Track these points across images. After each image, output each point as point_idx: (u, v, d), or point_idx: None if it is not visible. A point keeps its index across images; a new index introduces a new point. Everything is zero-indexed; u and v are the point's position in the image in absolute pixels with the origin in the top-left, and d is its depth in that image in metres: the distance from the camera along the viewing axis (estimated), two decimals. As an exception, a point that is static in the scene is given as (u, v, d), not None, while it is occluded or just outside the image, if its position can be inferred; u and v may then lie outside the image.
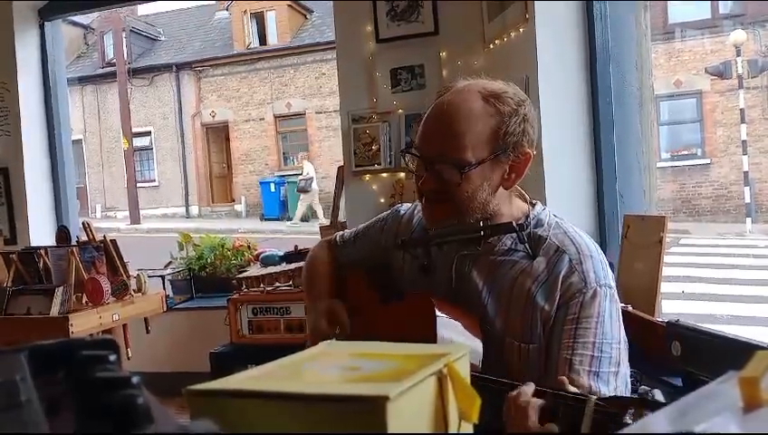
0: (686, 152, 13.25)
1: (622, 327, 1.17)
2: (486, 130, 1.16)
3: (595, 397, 0.90)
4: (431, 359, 0.55)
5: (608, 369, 1.12)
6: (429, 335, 1.11)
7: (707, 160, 12.97)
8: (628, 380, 1.16)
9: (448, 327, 1.14)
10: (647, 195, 2.46)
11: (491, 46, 2.87)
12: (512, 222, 1.18)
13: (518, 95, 1.20)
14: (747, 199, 11.64)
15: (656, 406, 0.84)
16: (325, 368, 0.57)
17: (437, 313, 1.15)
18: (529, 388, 0.94)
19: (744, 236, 10.72)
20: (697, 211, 12.78)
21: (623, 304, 1.23)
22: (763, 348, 1.37)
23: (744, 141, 11.85)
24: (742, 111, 11.86)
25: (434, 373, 0.54)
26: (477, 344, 1.14)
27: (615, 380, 1.12)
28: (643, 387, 1.78)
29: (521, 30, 2.54)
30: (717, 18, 13.07)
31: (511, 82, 1.24)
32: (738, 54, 11.76)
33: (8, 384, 0.35)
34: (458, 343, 1.13)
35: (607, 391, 1.10)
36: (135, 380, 0.36)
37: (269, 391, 0.48)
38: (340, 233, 1.58)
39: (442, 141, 1.17)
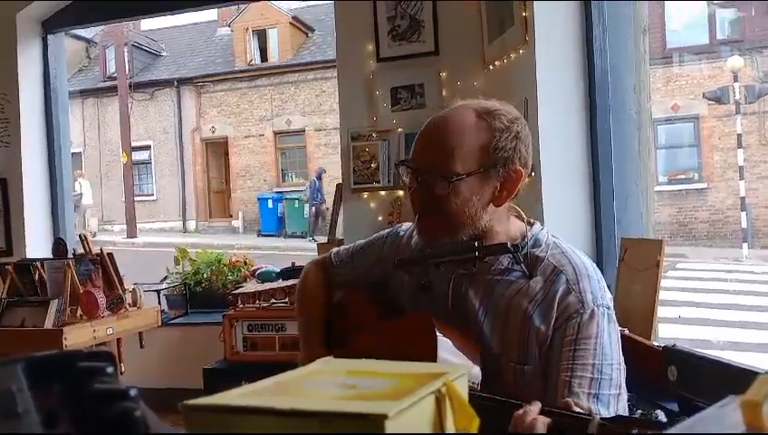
0: (683, 176, 13.31)
1: (620, 349, 1.16)
2: (477, 144, 1.17)
3: (599, 416, 0.90)
4: (430, 378, 0.55)
5: (608, 391, 1.11)
6: (429, 357, 1.10)
7: (704, 185, 13.03)
8: (626, 404, 1.16)
9: (448, 350, 1.13)
10: (644, 218, 2.46)
11: (491, 67, 2.89)
12: (506, 242, 1.19)
13: (511, 113, 1.22)
14: (744, 225, 11.66)
15: (659, 427, 0.84)
16: (323, 385, 0.56)
17: (438, 334, 1.14)
18: (535, 407, 0.94)
19: (741, 262, 10.73)
20: (694, 235, 12.81)
21: (620, 328, 1.22)
22: (760, 374, 1.37)
23: (741, 167, 11.91)
24: (739, 136, 11.94)
25: (432, 392, 0.53)
26: (476, 369, 1.14)
27: (616, 403, 1.11)
28: (639, 411, 1.77)
29: (520, 52, 2.56)
30: (715, 44, 13.20)
31: (506, 102, 1.25)
32: (735, 80, 11.86)
33: (5, 395, 0.35)
34: (457, 363, 1.12)
35: (607, 413, 1.09)
36: (132, 392, 0.35)
37: (267, 407, 0.48)
38: (335, 250, 1.56)
39: (432, 153, 1.19)
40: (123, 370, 2.94)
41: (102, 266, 2.94)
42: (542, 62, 2.41)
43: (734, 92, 11.82)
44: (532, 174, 2.38)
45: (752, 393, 0.41)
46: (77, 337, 2.65)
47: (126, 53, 17.13)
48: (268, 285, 3.19)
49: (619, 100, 2.43)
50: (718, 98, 12.13)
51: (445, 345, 1.13)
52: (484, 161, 1.17)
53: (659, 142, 12.95)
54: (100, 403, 0.35)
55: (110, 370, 0.39)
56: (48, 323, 2.62)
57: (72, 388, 0.37)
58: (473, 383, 1.11)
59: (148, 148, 18.05)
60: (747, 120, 12.34)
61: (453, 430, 0.56)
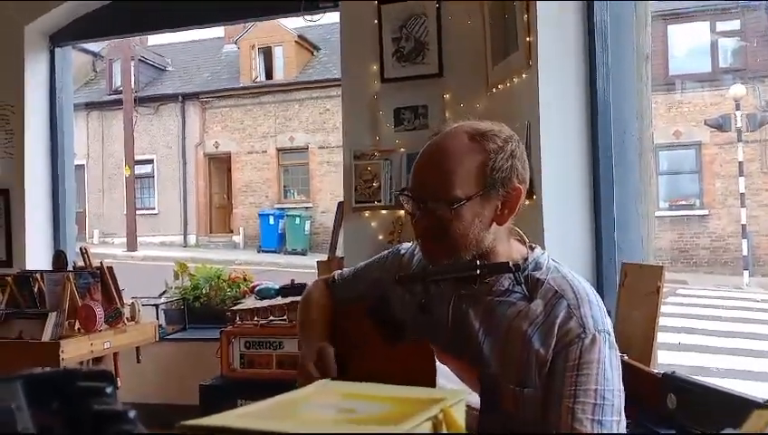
0: (684, 202, 13.33)
1: (621, 375, 1.16)
2: (474, 167, 1.18)
3: None
4: (427, 403, 0.55)
5: (611, 417, 1.11)
6: (428, 383, 1.10)
7: (705, 211, 13.05)
8: (625, 431, 1.15)
9: (446, 377, 1.13)
10: (644, 244, 2.46)
11: (494, 91, 2.91)
12: (508, 262, 1.19)
13: (504, 132, 1.23)
14: (745, 252, 11.66)
15: None
16: (320, 408, 0.56)
17: (437, 362, 1.14)
18: None
19: (742, 289, 10.70)
20: (695, 262, 12.80)
21: (620, 354, 1.22)
22: (760, 405, 1.36)
23: (742, 194, 11.94)
24: (740, 163, 11.98)
25: (429, 418, 0.53)
26: (474, 395, 1.13)
27: (617, 430, 1.11)
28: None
29: (523, 76, 2.57)
30: (717, 72, 13.30)
31: (497, 122, 1.27)
32: (737, 108, 11.93)
33: (4, 413, 0.35)
34: (455, 389, 1.11)
35: None
36: (131, 414, 0.35)
37: (265, 430, 0.48)
38: (339, 271, 1.58)
39: (432, 180, 1.20)
40: (119, 385, 2.92)
41: (102, 280, 2.93)
42: (544, 86, 2.42)
43: (736, 120, 11.89)
44: (534, 197, 2.39)
45: (748, 428, 0.41)
46: (74, 350, 2.64)
47: (132, 68, 17.26)
48: (267, 302, 3.18)
49: (621, 125, 2.44)
50: (720, 125, 12.20)
51: (443, 373, 1.13)
52: (483, 183, 1.18)
53: (661, 168, 13.00)
54: (99, 424, 0.35)
55: (109, 390, 0.39)
56: (45, 336, 2.62)
57: (71, 407, 0.37)
58: (472, 409, 1.11)
59: (150, 162, 18.11)
60: (749, 147, 12.39)
61: (449, 457, 0.55)
